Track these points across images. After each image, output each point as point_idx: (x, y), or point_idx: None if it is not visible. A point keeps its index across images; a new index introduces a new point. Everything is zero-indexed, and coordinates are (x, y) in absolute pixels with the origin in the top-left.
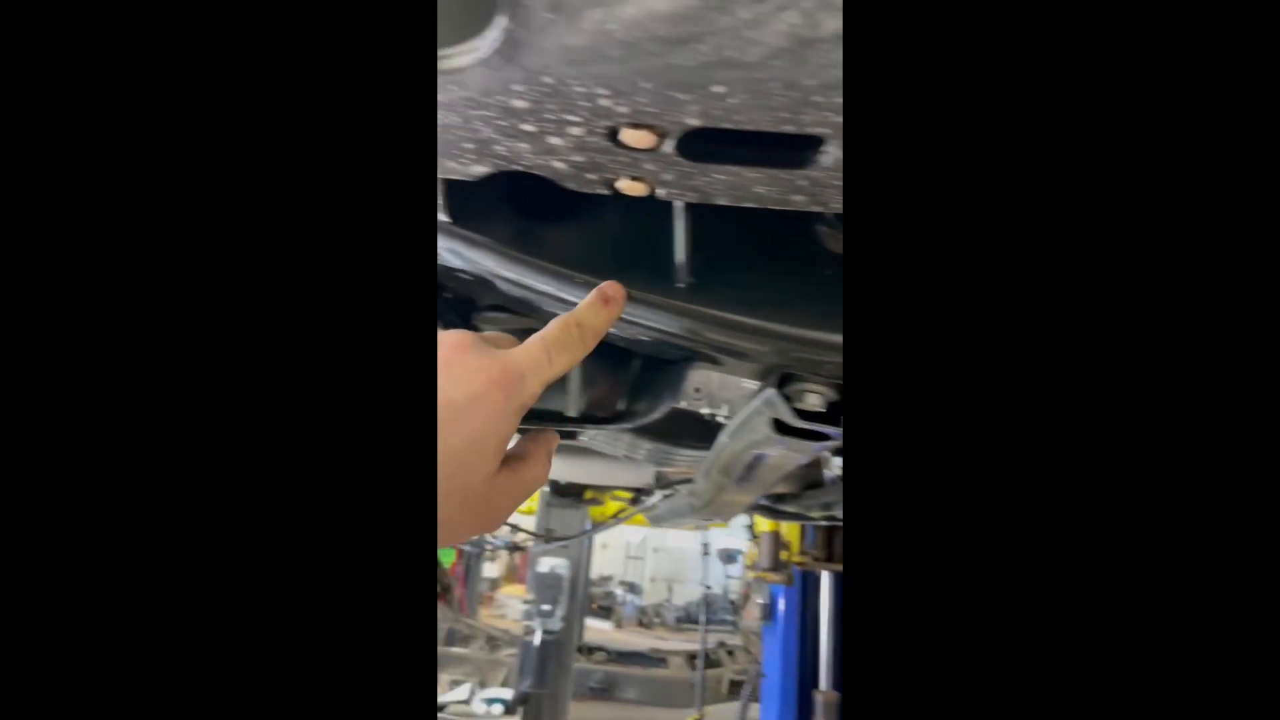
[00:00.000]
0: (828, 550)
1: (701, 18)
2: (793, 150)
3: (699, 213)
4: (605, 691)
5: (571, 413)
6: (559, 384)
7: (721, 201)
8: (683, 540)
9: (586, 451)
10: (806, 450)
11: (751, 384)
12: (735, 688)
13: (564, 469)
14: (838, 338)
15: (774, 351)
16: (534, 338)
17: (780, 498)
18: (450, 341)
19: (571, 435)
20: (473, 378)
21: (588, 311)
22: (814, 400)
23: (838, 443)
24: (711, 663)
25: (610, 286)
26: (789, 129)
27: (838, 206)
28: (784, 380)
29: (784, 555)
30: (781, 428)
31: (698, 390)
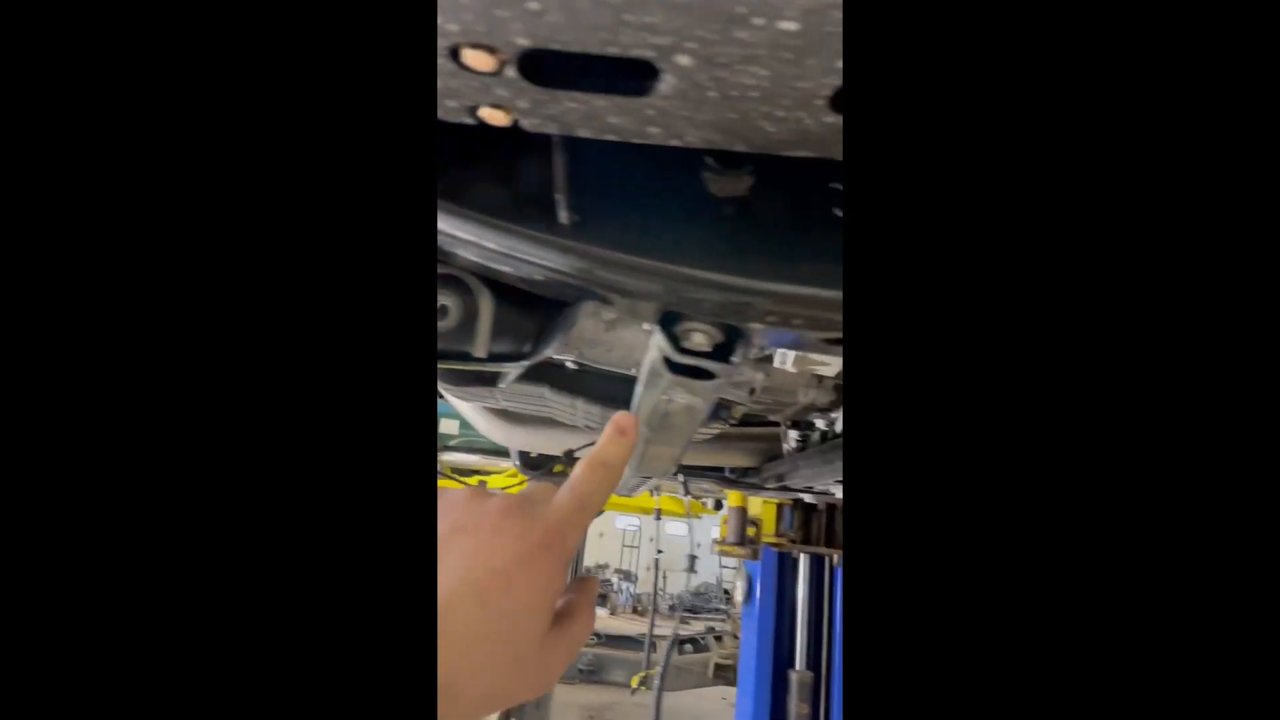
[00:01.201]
0: (804, 533)
1: None
2: (631, 77)
3: (584, 151)
4: (593, 674)
5: (480, 354)
6: (468, 326)
7: (582, 133)
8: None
9: (550, 422)
10: (703, 392)
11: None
12: (721, 671)
13: (530, 440)
14: (721, 277)
15: (662, 291)
16: (565, 489)
17: (745, 471)
18: (494, 509)
19: (490, 381)
20: (518, 543)
21: (608, 448)
22: (700, 339)
23: (724, 380)
24: (700, 647)
25: (623, 418)
26: (613, 51)
27: (693, 140)
28: (673, 320)
29: (751, 532)
30: (673, 367)
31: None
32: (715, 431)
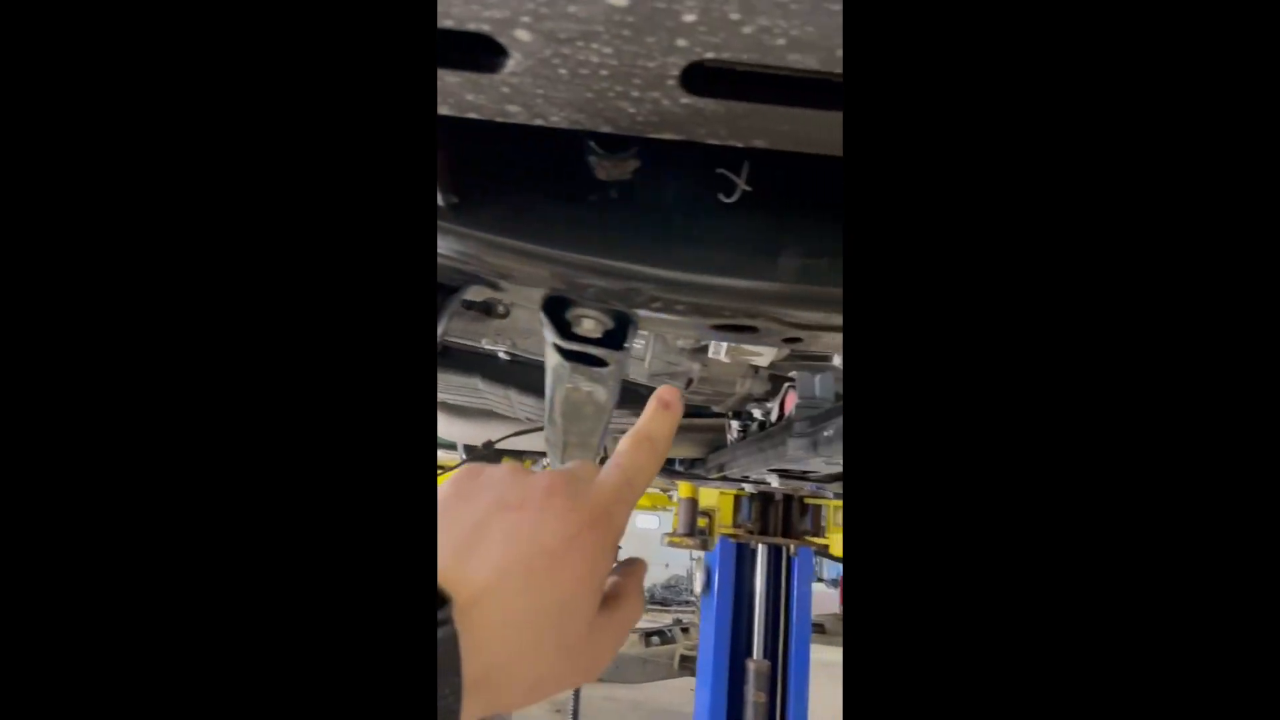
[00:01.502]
0: (762, 524)
1: None
2: (479, 53)
3: (463, 133)
4: None
5: None
6: None
7: (444, 110)
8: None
9: (490, 414)
10: (601, 379)
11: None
12: (686, 663)
13: (471, 432)
14: (605, 261)
15: (547, 276)
16: (611, 465)
17: (693, 463)
18: (540, 487)
19: None
20: (565, 521)
21: (653, 422)
22: (590, 325)
23: (618, 368)
24: (667, 639)
25: (666, 391)
26: (449, 24)
27: (558, 121)
28: (561, 306)
29: (702, 523)
30: (564, 354)
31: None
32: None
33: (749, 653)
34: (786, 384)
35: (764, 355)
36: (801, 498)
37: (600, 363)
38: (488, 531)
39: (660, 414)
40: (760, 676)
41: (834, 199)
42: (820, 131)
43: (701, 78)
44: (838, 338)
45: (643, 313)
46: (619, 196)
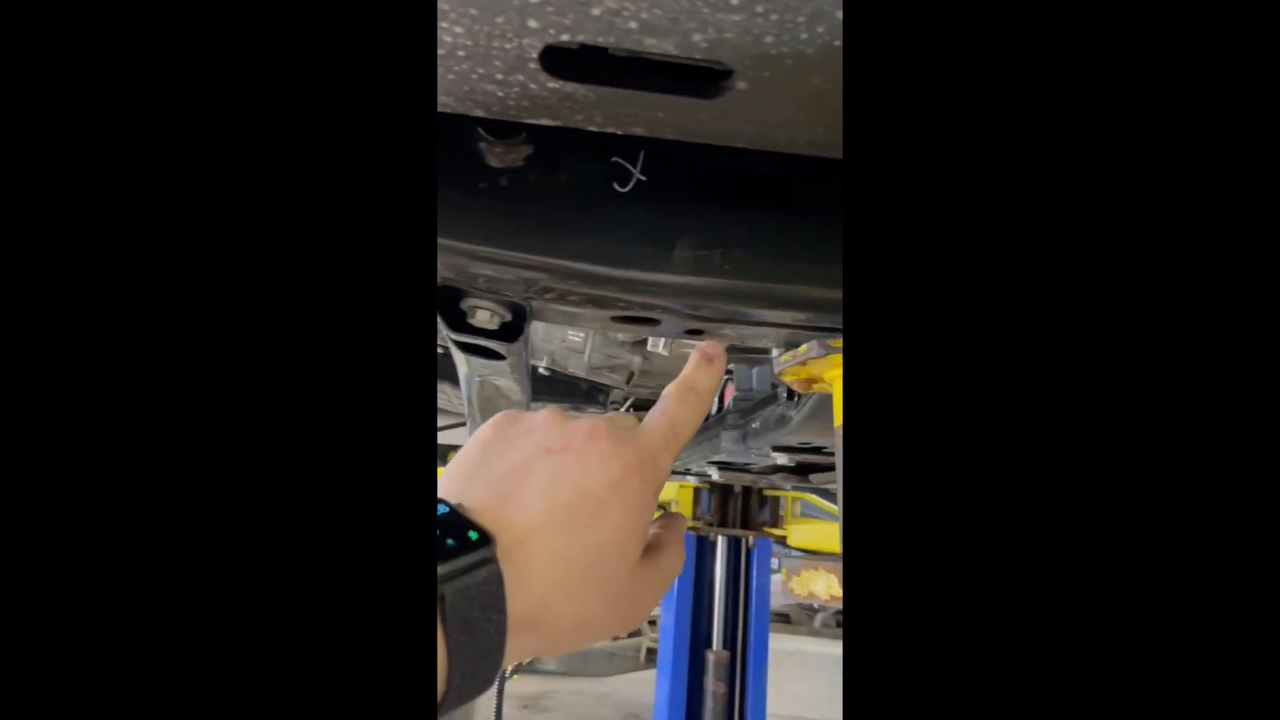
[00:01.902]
0: (721, 515)
1: None
2: None
3: None
4: (526, 664)
5: None
6: None
7: None
8: None
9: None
10: (501, 372)
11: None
12: (652, 656)
13: None
14: (495, 250)
15: (438, 265)
16: (655, 413)
17: None
18: (583, 431)
19: None
20: (609, 465)
21: (695, 374)
22: (484, 316)
23: (516, 360)
24: (634, 631)
25: (709, 345)
26: None
27: (477, 110)
28: (455, 297)
29: (656, 514)
30: (460, 345)
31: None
32: None
33: (709, 644)
34: (726, 377)
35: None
36: (760, 489)
37: (497, 355)
38: (530, 474)
39: (704, 366)
40: (720, 667)
41: (726, 190)
42: (699, 120)
43: (563, 61)
44: (772, 331)
45: (538, 304)
46: (509, 184)
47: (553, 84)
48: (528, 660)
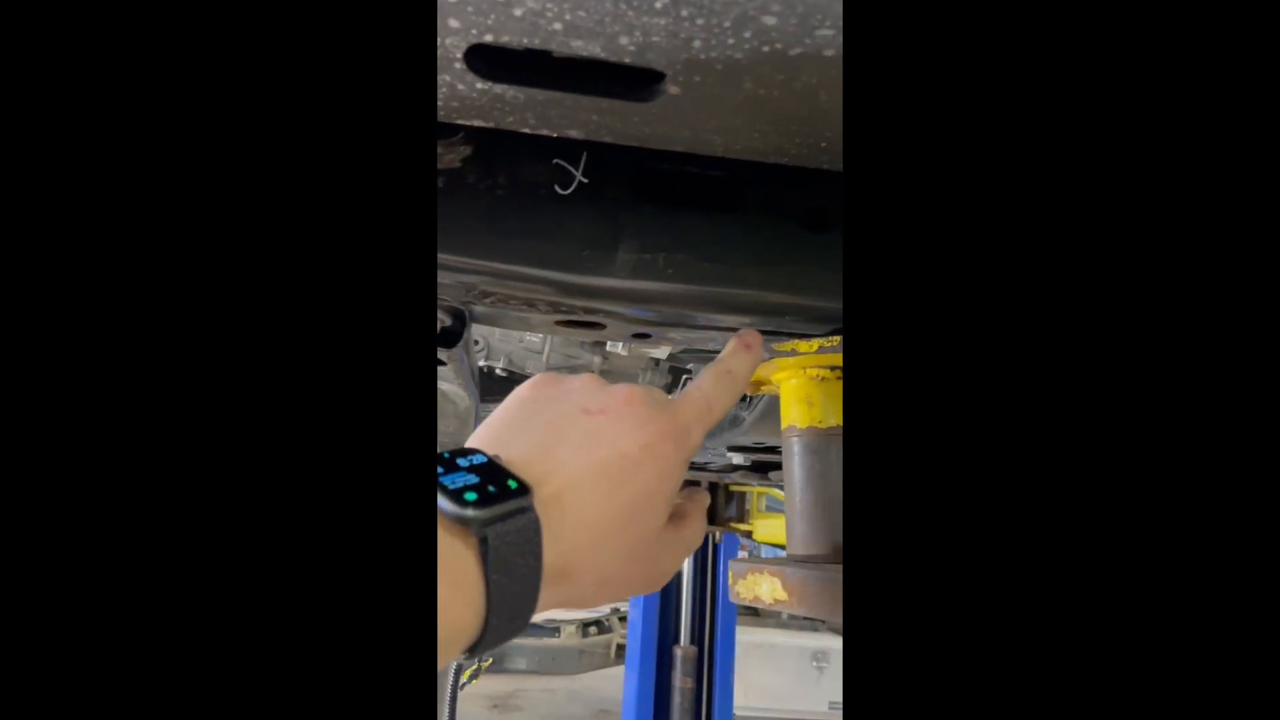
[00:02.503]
0: None
1: None
2: None
3: None
4: (494, 663)
5: None
6: None
7: None
8: None
9: None
10: (444, 376)
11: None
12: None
13: None
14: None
15: None
16: (692, 388)
17: None
18: (620, 395)
19: None
20: (645, 429)
21: (733, 359)
22: None
23: (458, 365)
24: (604, 629)
25: (749, 334)
26: None
27: None
28: None
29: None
30: None
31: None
32: None
33: (676, 639)
34: (685, 376)
35: (661, 348)
36: (727, 485)
37: (437, 361)
38: (568, 433)
39: (741, 352)
40: (687, 662)
41: (670, 193)
42: (634, 124)
43: (489, 61)
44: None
45: (479, 309)
46: (446, 186)
47: (481, 85)
48: (551, 608)
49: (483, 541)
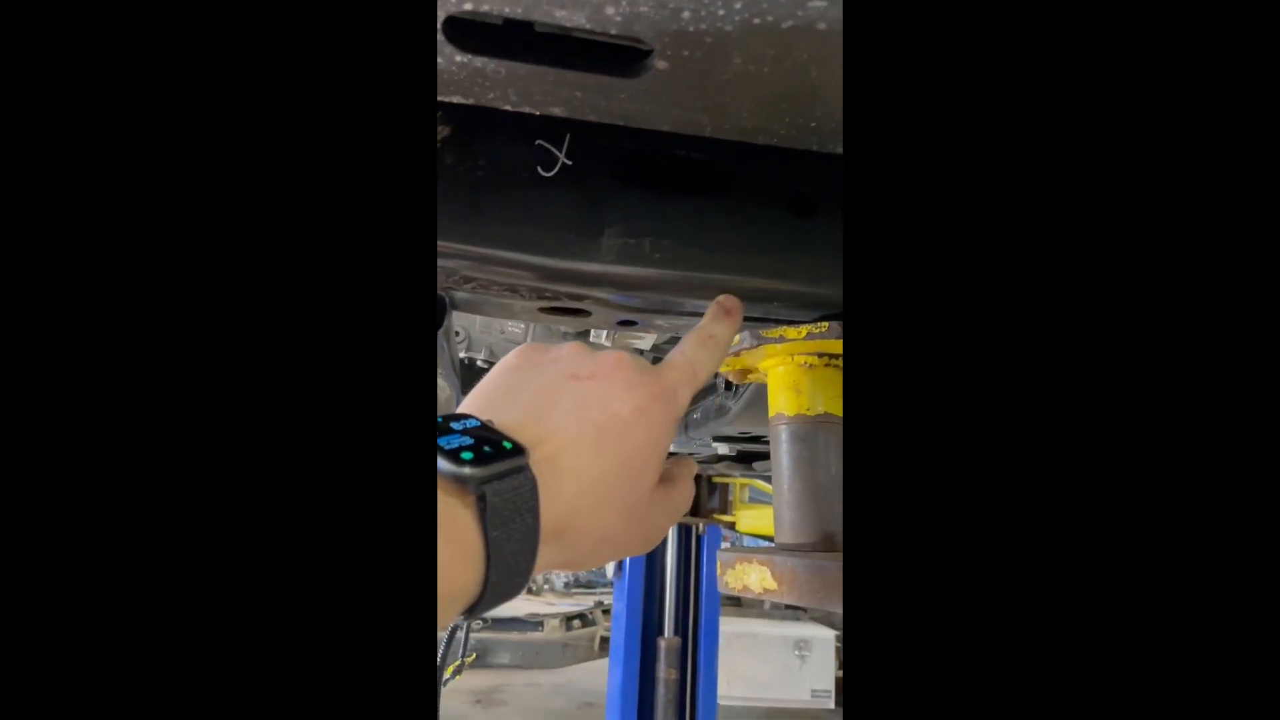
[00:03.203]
0: None
1: None
2: None
3: None
4: (478, 658)
5: None
6: None
7: None
8: None
9: None
10: None
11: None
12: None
13: None
14: None
15: None
16: (676, 353)
17: None
18: (608, 360)
19: None
20: (635, 391)
21: (715, 324)
22: None
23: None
24: (588, 622)
25: (727, 300)
26: None
27: None
28: None
29: None
30: None
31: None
32: None
33: (660, 631)
34: None
35: (645, 339)
36: (709, 477)
37: None
38: (559, 398)
39: (722, 317)
40: (671, 653)
41: (656, 176)
42: (620, 101)
43: (469, 33)
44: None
45: (460, 295)
46: None
47: (460, 57)
48: (549, 569)
49: (481, 499)
